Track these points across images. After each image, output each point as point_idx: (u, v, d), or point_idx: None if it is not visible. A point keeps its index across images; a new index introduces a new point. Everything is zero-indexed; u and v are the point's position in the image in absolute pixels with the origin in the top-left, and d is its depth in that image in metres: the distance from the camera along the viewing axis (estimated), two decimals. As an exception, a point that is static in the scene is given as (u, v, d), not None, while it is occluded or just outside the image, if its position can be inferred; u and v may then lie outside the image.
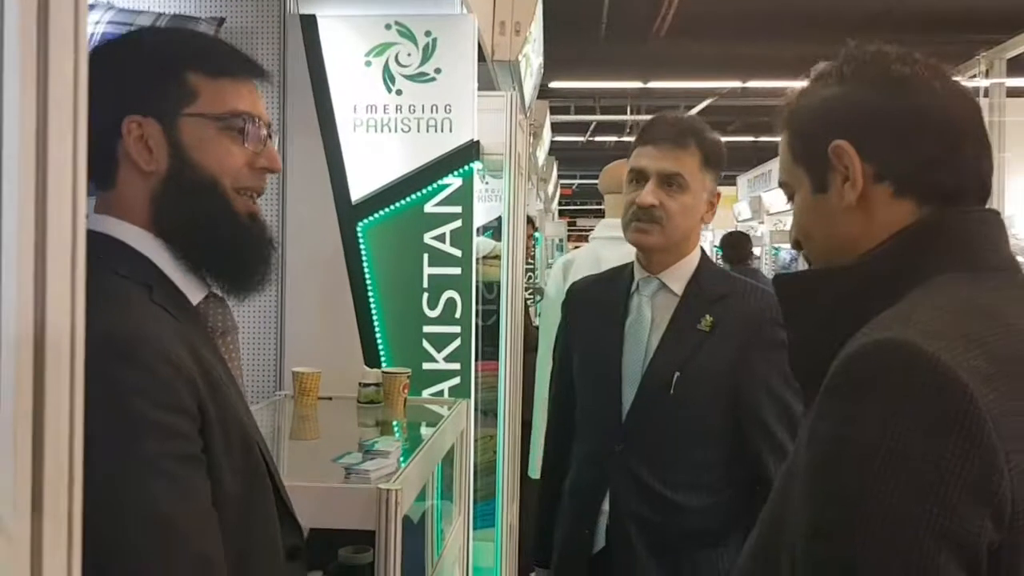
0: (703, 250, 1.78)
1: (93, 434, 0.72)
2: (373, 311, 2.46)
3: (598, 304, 1.79)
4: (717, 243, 6.92)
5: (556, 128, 13.30)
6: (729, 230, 8.06)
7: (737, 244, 5.79)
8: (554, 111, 12.07)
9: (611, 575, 1.69)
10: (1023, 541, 0.76)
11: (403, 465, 1.68)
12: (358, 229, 2.46)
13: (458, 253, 2.45)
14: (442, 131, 2.45)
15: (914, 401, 0.76)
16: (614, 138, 14.24)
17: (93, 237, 0.90)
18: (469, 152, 2.44)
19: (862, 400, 0.79)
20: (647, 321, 1.70)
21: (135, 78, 0.96)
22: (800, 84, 1.06)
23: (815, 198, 0.98)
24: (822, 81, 1.00)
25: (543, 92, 10.50)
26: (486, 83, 3.24)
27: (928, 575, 0.73)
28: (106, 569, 0.75)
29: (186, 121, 0.97)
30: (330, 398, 2.40)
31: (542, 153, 6.86)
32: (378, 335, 2.46)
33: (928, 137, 0.92)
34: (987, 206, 0.95)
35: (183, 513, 0.81)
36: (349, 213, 2.46)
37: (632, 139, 1.72)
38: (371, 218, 2.46)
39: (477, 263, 2.65)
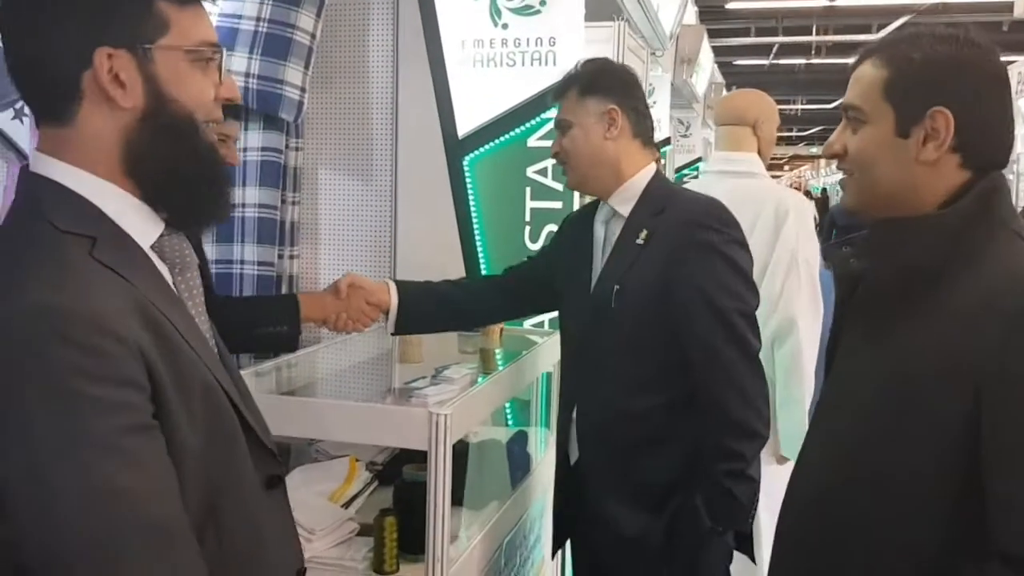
0: (658, 172, 1.82)
1: (32, 416, 0.77)
2: (478, 243, 2.54)
3: (576, 233, 1.91)
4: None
5: (735, 51, 12.67)
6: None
7: None
8: (733, 34, 11.51)
9: (584, 481, 1.81)
10: None
11: (472, 391, 1.76)
12: (464, 163, 2.53)
13: (559, 187, 2.47)
14: (546, 64, 2.45)
15: None
16: (802, 60, 13.39)
17: (35, 181, 0.91)
18: (571, 85, 2.43)
19: None
20: (600, 243, 1.83)
21: (104, 6, 0.91)
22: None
23: (893, 139, 1.09)
24: (939, 42, 1.08)
25: (717, 15, 10.06)
26: (612, 12, 3.18)
27: None
28: (64, 549, 0.77)
29: (161, 54, 0.92)
30: (435, 326, 2.53)
31: (700, 81, 6.59)
32: (483, 266, 2.54)
33: (1005, 128, 1.09)
34: None
35: (135, 484, 0.80)
36: (456, 147, 2.53)
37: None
38: (476, 152, 2.52)
39: (581, 197, 2.65)
